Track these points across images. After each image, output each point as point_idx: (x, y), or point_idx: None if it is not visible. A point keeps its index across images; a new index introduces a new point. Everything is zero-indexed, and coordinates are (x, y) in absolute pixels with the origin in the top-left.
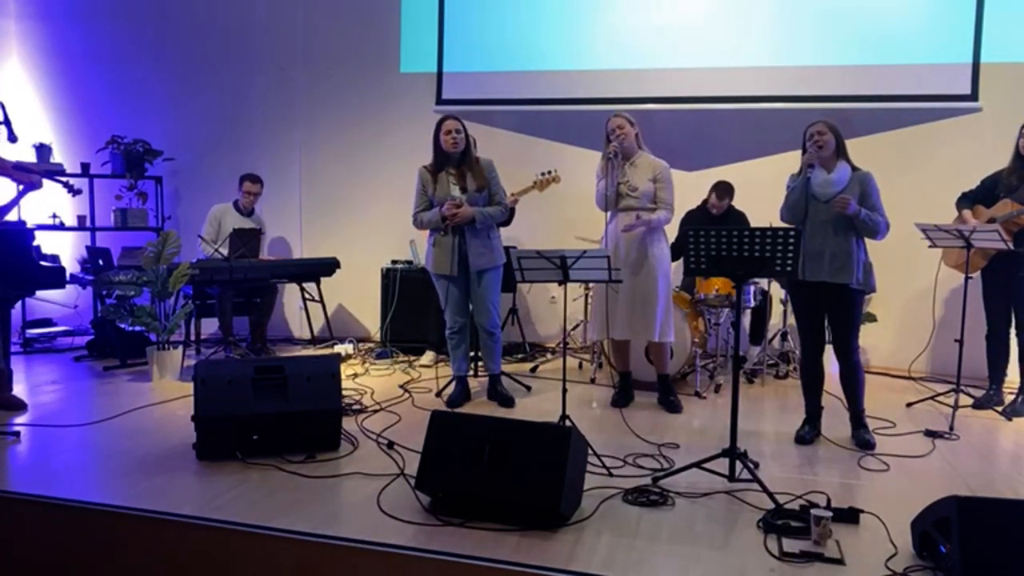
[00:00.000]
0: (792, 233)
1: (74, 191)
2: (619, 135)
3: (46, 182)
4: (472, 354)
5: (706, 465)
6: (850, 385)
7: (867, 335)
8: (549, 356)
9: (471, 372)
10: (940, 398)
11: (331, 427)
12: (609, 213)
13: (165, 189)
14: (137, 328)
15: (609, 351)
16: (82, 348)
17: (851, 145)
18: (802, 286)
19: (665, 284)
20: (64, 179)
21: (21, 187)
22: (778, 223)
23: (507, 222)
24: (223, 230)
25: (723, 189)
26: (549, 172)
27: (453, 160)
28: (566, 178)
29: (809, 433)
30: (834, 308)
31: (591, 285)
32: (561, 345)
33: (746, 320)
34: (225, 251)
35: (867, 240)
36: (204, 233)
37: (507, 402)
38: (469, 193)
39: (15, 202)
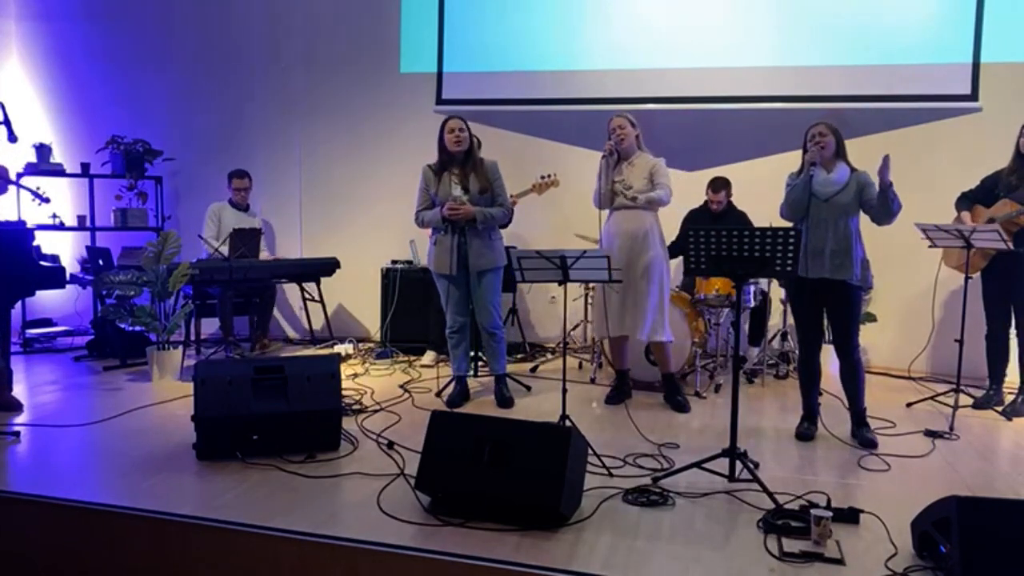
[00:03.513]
0: (792, 233)
1: (43, 199)
2: (619, 135)
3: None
4: (472, 354)
5: (706, 465)
6: (850, 383)
7: (867, 335)
8: (549, 356)
9: (471, 372)
10: (940, 398)
11: (331, 427)
12: (606, 212)
13: (165, 189)
14: (137, 328)
15: (607, 349)
16: (82, 348)
17: (851, 145)
18: (802, 283)
19: (658, 284)
20: (34, 187)
21: None
22: (779, 223)
23: (506, 223)
24: (223, 226)
25: (719, 183)
26: (549, 176)
27: (457, 160)
28: (566, 178)
29: (809, 429)
30: (834, 305)
31: (592, 285)
32: (561, 345)
33: (745, 320)
34: (225, 251)
35: (864, 237)
36: (205, 231)
37: (507, 403)
38: (471, 194)
39: None
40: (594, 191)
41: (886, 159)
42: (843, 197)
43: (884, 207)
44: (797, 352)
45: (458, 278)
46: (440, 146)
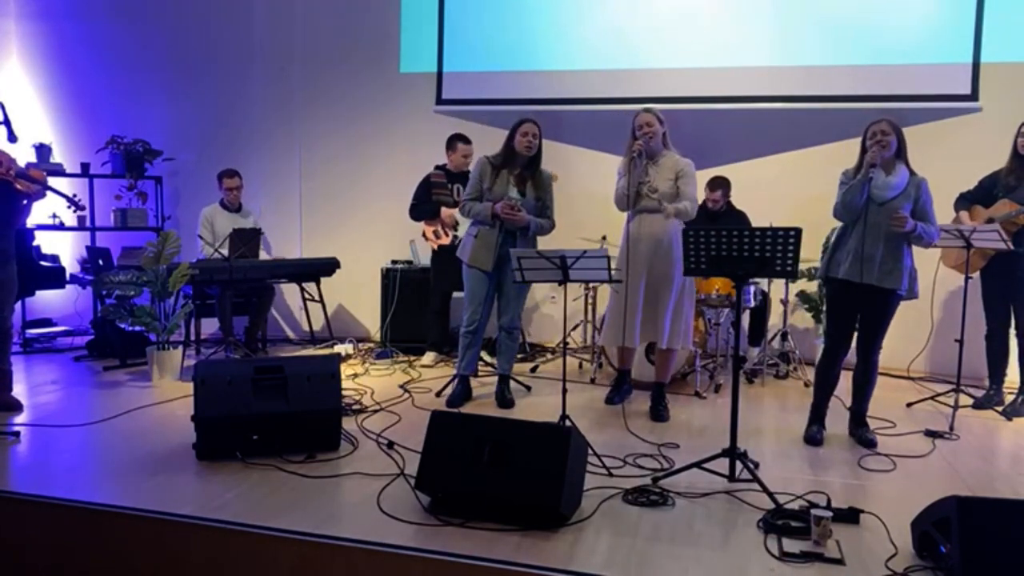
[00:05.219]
0: (792, 233)
1: (78, 207)
2: (646, 132)
3: (49, 194)
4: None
5: (706, 465)
6: (863, 384)
7: None
8: (549, 356)
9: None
10: (940, 398)
11: (331, 427)
12: (628, 213)
13: (165, 189)
14: (137, 328)
15: (609, 350)
16: (82, 348)
17: (851, 145)
18: (848, 288)
19: (679, 291)
20: (71, 195)
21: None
22: (778, 223)
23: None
24: (217, 230)
25: (716, 183)
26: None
27: (520, 162)
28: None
29: (819, 433)
30: (871, 310)
31: (608, 291)
32: (561, 345)
33: (745, 320)
34: (225, 251)
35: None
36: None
37: (507, 403)
38: (526, 199)
39: (27, 211)
40: (616, 191)
41: (898, 219)
42: (900, 202)
43: (915, 242)
44: (819, 353)
45: (492, 275)
46: (508, 145)
